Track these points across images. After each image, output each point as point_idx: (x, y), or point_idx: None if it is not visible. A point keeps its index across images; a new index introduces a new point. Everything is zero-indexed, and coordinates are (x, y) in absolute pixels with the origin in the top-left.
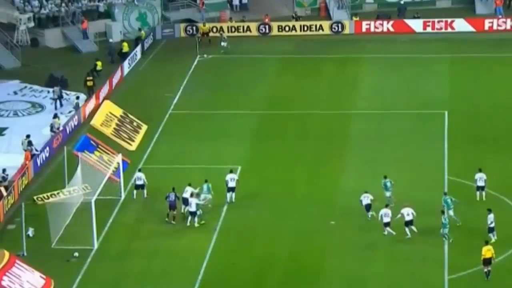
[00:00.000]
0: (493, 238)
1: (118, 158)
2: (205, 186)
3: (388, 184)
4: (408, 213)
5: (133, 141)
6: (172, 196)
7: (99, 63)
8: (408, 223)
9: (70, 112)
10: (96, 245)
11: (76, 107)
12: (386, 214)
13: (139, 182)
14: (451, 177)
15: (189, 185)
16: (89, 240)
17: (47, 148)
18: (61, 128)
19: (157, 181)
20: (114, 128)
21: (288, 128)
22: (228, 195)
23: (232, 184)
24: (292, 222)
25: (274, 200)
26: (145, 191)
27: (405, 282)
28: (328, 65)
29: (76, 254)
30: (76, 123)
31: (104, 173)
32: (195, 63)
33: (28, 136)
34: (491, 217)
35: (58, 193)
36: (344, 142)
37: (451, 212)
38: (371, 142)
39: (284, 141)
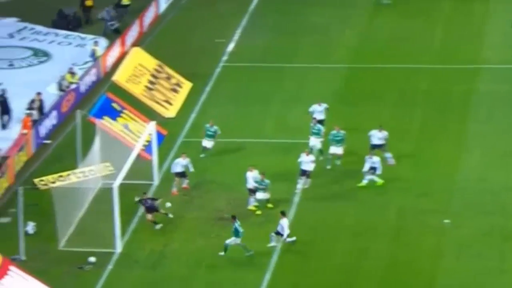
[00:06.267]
0: None
1: (151, 127)
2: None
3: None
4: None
5: (171, 104)
6: (148, 202)
7: None
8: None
9: (85, 63)
10: (119, 248)
11: (94, 56)
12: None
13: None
14: None
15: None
16: (110, 240)
17: (54, 113)
18: (73, 86)
19: (204, 160)
20: (146, 86)
21: (386, 89)
22: (301, 181)
23: (307, 167)
24: (389, 218)
25: (364, 188)
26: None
27: None
28: (444, 1)
29: (92, 259)
30: (94, 79)
31: (131, 147)
32: None
33: (39, 93)
34: None
35: (68, 175)
36: (464, 109)
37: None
38: (502, 108)
39: (379, 106)
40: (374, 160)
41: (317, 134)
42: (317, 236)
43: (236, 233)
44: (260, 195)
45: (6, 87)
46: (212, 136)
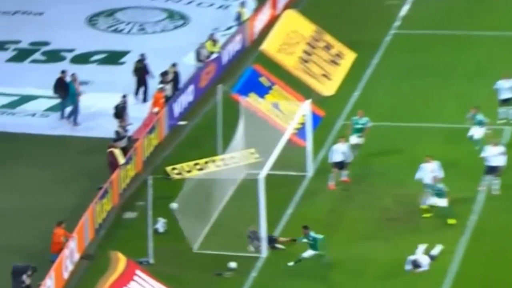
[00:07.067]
0: None
1: (305, 107)
2: None
3: None
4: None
5: (330, 79)
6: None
7: None
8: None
9: (229, 28)
10: (265, 252)
11: (239, 20)
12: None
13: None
14: None
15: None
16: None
17: (191, 88)
18: (214, 56)
19: (368, 148)
20: (301, 58)
21: None
22: (488, 177)
23: (496, 161)
24: None
25: None
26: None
27: None
28: None
29: (233, 264)
30: (239, 47)
31: (281, 131)
32: None
33: (174, 64)
34: None
35: (206, 163)
36: None
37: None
38: None
39: None
40: None
41: (480, 124)
42: (506, 242)
43: (314, 245)
44: (432, 200)
45: (137, 56)
46: (361, 131)
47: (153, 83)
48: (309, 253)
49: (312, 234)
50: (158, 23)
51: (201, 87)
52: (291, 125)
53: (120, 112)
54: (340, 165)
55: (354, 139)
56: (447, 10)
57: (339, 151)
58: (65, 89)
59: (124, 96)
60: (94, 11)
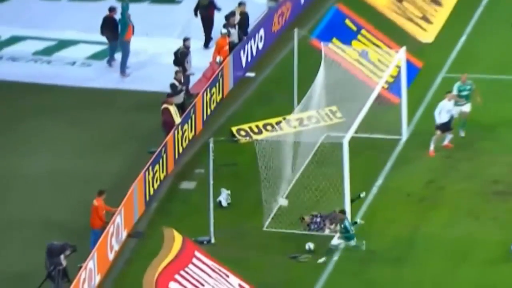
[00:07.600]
0: None
1: (400, 56)
2: None
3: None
4: None
5: (430, 22)
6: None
7: None
8: None
9: None
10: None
11: None
12: None
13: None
14: None
15: None
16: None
17: (262, 32)
18: None
19: (475, 107)
20: None
21: None
22: None
23: None
24: None
25: None
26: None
27: None
28: None
29: (311, 246)
30: None
31: (370, 85)
32: None
33: (241, 4)
34: None
35: (278, 123)
36: None
37: None
38: None
39: None
40: None
41: None
42: None
43: (347, 235)
44: None
45: None
46: (468, 97)
47: (217, 26)
48: (337, 241)
49: (347, 223)
50: None
51: (274, 32)
52: (383, 78)
53: (180, 59)
54: (445, 127)
55: (465, 107)
56: None
57: (444, 110)
58: (114, 31)
59: (186, 40)
60: None
